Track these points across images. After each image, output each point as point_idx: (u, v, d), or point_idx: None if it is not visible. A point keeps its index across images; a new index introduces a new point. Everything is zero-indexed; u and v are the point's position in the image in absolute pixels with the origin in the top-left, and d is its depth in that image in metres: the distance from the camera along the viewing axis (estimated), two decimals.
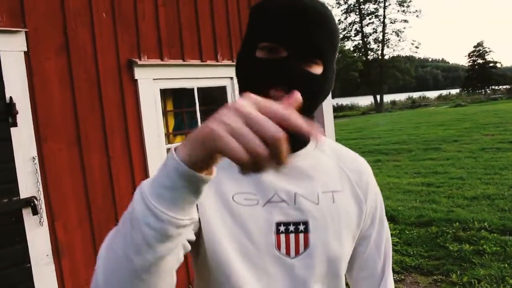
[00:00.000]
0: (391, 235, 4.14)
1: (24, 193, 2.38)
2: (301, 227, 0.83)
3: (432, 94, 55.75)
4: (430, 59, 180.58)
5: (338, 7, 46.55)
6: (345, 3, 44.86)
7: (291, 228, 0.83)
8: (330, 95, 3.44)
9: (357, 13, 44.66)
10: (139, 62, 2.91)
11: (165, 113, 3.34)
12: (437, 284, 3.77)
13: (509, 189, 6.46)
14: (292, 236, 0.83)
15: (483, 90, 48.57)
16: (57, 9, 2.56)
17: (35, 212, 2.38)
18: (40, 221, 2.42)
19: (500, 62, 51.84)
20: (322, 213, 0.85)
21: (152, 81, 3.03)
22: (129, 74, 2.89)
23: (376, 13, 43.98)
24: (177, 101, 3.55)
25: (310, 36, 0.77)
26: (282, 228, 0.82)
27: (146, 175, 2.91)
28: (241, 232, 0.80)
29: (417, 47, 54.15)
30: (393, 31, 45.08)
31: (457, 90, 56.86)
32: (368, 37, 45.24)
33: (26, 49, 2.42)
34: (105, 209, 2.67)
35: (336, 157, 0.93)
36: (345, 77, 42.06)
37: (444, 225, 5.07)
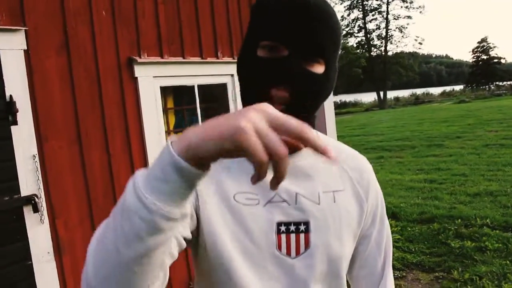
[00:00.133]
0: (393, 231, 4.12)
1: (25, 191, 2.39)
2: (302, 227, 0.83)
3: (436, 91, 55.49)
4: (434, 55, 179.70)
5: (341, 3, 46.46)
6: None
7: (292, 228, 0.83)
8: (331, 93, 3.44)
9: (360, 9, 44.49)
10: (139, 60, 2.91)
11: (165, 110, 3.34)
12: (439, 281, 3.76)
13: None
14: (293, 236, 0.83)
15: (487, 86, 48.34)
16: (57, 7, 2.57)
17: (36, 209, 2.40)
18: (41, 219, 2.43)
19: (504, 58, 51.58)
20: (323, 213, 0.85)
21: (152, 79, 3.03)
22: (129, 72, 2.90)
23: (379, 9, 43.81)
24: (177, 98, 3.56)
25: (312, 34, 0.76)
26: (283, 228, 0.82)
27: None
28: (242, 232, 0.80)
29: (420, 43, 53.94)
30: (396, 27, 45.17)
31: (461, 86, 56.65)
32: (371, 33, 45.10)
33: (26, 48, 2.43)
34: (105, 207, 2.68)
35: (337, 155, 0.92)
36: (348, 73, 41.92)
37: (446, 222, 5.07)
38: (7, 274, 2.32)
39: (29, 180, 2.41)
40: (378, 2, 43.99)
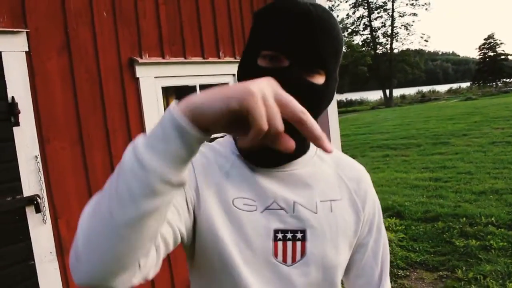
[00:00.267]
0: (397, 230, 4.11)
1: (27, 192, 2.41)
2: (299, 235, 0.84)
3: (442, 88, 55.17)
4: (440, 52, 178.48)
5: (346, 1, 46.33)
6: None
7: (289, 236, 0.83)
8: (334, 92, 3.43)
9: (365, 7, 44.29)
10: (140, 61, 2.92)
11: None
12: (442, 280, 3.75)
13: None
14: (289, 244, 0.83)
15: (494, 83, 47.92)
16: (58, 9, 2.58)
17: (38, 210, 2.42)
18: (43, 219, 2.45)
19: (511, 55, 51.07)
20: (320, 222, 0.85)
21: (153, 79, 3.04)
22: (130, 73, 2.91)
23: (385, 7, 43.57)
24: (180, 98, 3.56)
25: (313, 45, 0.76)
26: (280, 236, 0.83)
27: None
28: (239, 237, 0.81)
29: (426, 41, 53.49)
30: (402, 25, 44.71)
31: (468, 84, 56.21)
32: (377, 31, 44.88)
33: (27, 49, 2.44)
34: None
35: (335, 164, 0.93)
36: (354, 71, 41.78)
37: (451, 221, 5.04)
38: (10, 274, 2.34)
39: (31, 180, 2.43)
40: (384, 0, 43.66)
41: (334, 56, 0.81)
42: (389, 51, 43.44)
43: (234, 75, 3.59)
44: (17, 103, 2.37)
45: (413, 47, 46.33)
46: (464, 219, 5.01)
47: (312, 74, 0.78)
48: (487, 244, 4.27)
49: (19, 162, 2.39)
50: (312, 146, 0.91)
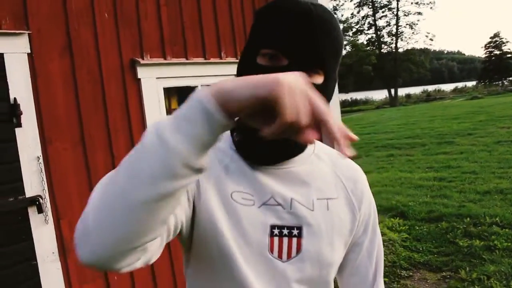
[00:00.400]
0: (401, 231, 4.10)
1: (29, 192, 2.42)
2: (295, 232, 0.84)
3: (448, 87, 54.89)
4: (445, 51, 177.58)
5: (350, 1, 46.18)
6: None
7: (285, 232, 0.84)
8: (336, 91, 3.43)
9: (370, 6, 44.13)
10: (142, 62, 2.93)
11: (170, 111, 3.36)
12: (446, 281, 3.73)
13: None
14: (285, 240, 0.84)
15: (500, 82, 47.61)
16: (60, 10, 2.59)
17: (40, 210, 2.43)
18: (45, 219, 2.47)
19: None
20: (316, 220, 0.86)
21: (155, 80, 3.05)
22: (132, 74, 2.92)
23: (389, 6, 43.41)
24: (182, 99, 3.57)
25: (313, 45, 0.77)
26: (276, 231, 0.83)
27: None
28: (237, 231, 0.82)
29: (431, 40, 53.36)
30: (406, 24, 44.53)
31: (473, 83, 55.88)
32: (382, 30, 44.71)
33: (29, 51, 2.46)
34: None
35: (332, 163, 0.94)
36: (358, 71, 41.66)
37: (455, 221, 5.02)
38: (12, 274, 2.35)
39: (33, 181, 2.44)
40: None
41: (333, 57, 0.81)
42: (394, 50, 43.27)
43: (236, 75, 3.59)
44: (19, 104, 2.39)
45: (418, 46, 46.10)
46: (468, 219, 4.98)
47: (311, 73, 0.78)
48: (491, 244, 4.24)
49: (21, 163, 2.41)
50: (309, 145, 0.91)
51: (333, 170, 0.92)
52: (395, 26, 43.39)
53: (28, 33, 2.45)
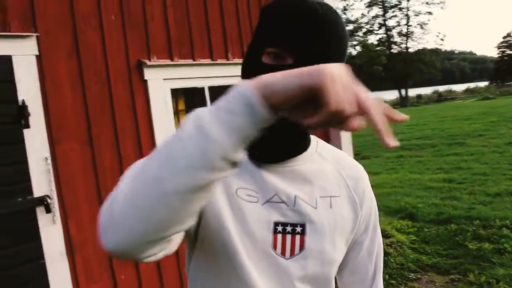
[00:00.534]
0: (409, 233, 4.05)
1: (37, 192, 2.45)
2: (298, 229, 0.85)
3: (459, 87, 54.31)
4: (456, 51, 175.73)
5: (361, 0, 45.95)
6: None
7: (289, 229, 0.85)
8: None
9: (380, 6, 43.89)
10: (149, 63, 2.95)
11: (177, 112, 3.37)
12: (454, 284, 3.69)
13: None
14: (288, 237, 0.84)
15: None
16: (67, 12, 2.62)
17: (48, 210, 2.46)
18: (53, 219, 2.50)
19: None
20: (319, 217, 0.86)
21: (162, 81, 3.06)
22: (139, 75, 2.94)
23: (400, 6, 43.13)
24: (189, 100, 3.59)
25: (318, 45, 0.76)
26: (279, 228, 0.84)
27: None
28: (241, 227, 0.82)
29: (442, 39, 52.96)
30: (417, 24, 44.18)
31: (485, 83, 55.25)
32: (392, 30, 44.43)
33: (38, 53, 2.49)
34: None
35: (335, 162, 0.94)
36: (369, 71, 41.44)
37: (464, 223, 4.96)
38: (21, 273, 2.39)
39: (41, 181, 2.47)
40: None
41: (338, 56, 0.80)
42: (404, 50, 42.98)
43: None
44: (27, 106, 2.42)
45: (428, 46, 45.69)
46: (478, 221, 4.92)
47: None
48: (501, 247, 4.18)
49: (30, 163, 2.44)
50: (312, 143, 0.92)
51: (335, 168, 0.93)
52: (405, 26, 43.14)
53: (36, 35, 2.49)
